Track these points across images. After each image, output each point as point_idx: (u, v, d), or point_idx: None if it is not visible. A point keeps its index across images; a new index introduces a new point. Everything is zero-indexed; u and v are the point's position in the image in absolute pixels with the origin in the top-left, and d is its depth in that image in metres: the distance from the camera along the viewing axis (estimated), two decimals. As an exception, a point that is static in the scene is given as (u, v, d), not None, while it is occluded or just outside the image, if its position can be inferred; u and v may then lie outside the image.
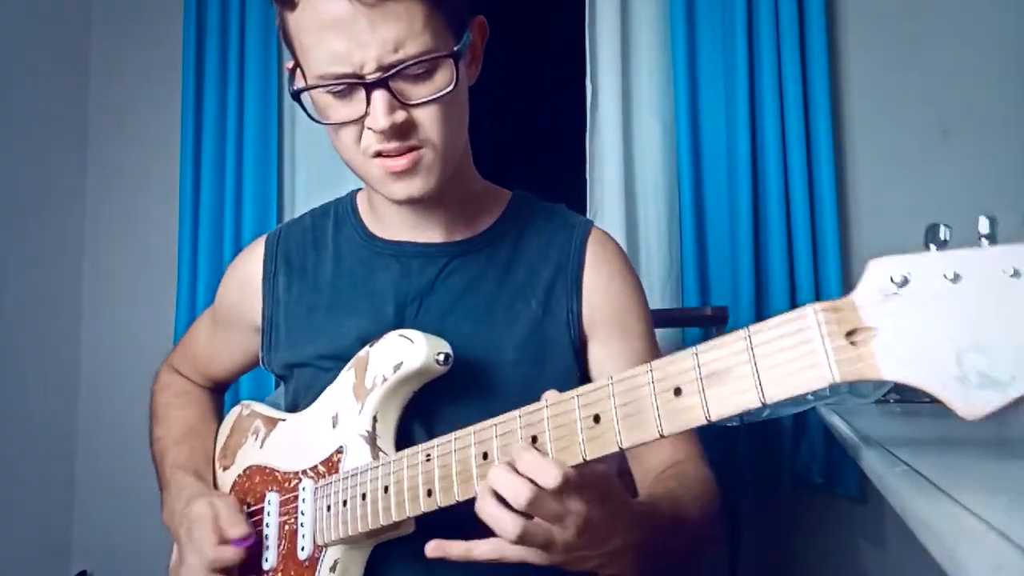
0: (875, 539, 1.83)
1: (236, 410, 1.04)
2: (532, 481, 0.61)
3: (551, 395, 0.66)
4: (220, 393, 1.14)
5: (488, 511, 0.63)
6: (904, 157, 1.90)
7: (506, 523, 0.62)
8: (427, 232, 0.93)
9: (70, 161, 2.28)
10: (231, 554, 0.84)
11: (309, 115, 0.82)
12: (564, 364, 0.90)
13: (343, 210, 1.00)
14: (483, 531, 0.67)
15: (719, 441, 1.60)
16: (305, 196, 2.13)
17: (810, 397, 1.51)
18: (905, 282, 0.46)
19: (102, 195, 2.30)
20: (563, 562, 0.67)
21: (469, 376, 0.85)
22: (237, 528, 0.85)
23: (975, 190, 1.81)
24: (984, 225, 0.44)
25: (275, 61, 2.13)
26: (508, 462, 0.63)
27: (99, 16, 2.35)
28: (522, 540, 0.63)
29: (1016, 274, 0.42)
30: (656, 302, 1.90)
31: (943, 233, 0.45)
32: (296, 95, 0.81)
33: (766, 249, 1.85)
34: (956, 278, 0.44)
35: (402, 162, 0.79)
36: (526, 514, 0.62)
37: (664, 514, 0.75)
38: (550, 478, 0.60)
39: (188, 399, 1.09)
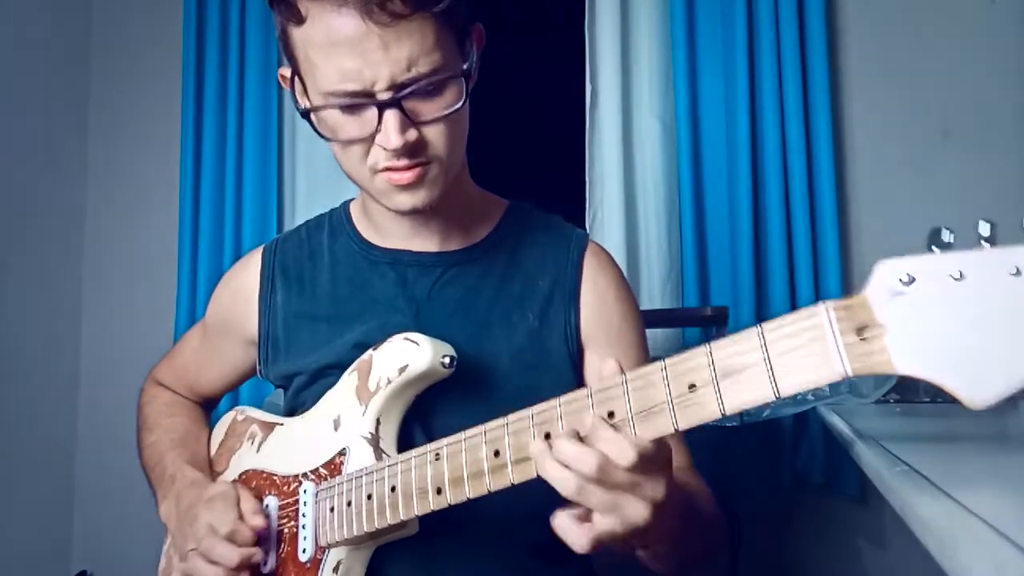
0: (875, 539, 1.83)
1: (230, 415, 1.04)
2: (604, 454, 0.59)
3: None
4: (207, 409, 1.13)
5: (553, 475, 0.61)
6: (904, 157, 1.90)
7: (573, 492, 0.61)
8: (423, 241, 0.93)
9: (70, 162, 2.28)
10: (248, 533, 0.82)
11: (317, 131, 0.81)
12: (561, 375, 0.90)
13: (337, 220, 1.00)
14: (485, 533, 0.66)
15: (719, 441, 1.60)
16: (306, 199, 2.13)
17: (810, 397, 1.51)
18: (912, 281, 0.48)
19: (102, 196, 2.30)
20: (633, 538, 0.64)
21: (466, 384, 0.85)
22: (257, 518, 0.84)
23: (976, 191, 1.81)
24: (985, 228, 0.47)
25: (275, 64, 2.12)
26: (575, 431, 0.62)
27: (99, 16, 2.35)
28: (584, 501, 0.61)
29: (1018, 273, 0.45)
30: (656, 302, 1.90)
31: (946, 236, 0.48)
32: (305, 114, 0.81)
33: (766, 249, 1.85)
34: (961, 277, 0.46)
35: (408, 175, 0.80)
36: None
37: (679, 497, 0.73)
38: (624, 459, 0.59)
39: (178, 408, 1.08)
